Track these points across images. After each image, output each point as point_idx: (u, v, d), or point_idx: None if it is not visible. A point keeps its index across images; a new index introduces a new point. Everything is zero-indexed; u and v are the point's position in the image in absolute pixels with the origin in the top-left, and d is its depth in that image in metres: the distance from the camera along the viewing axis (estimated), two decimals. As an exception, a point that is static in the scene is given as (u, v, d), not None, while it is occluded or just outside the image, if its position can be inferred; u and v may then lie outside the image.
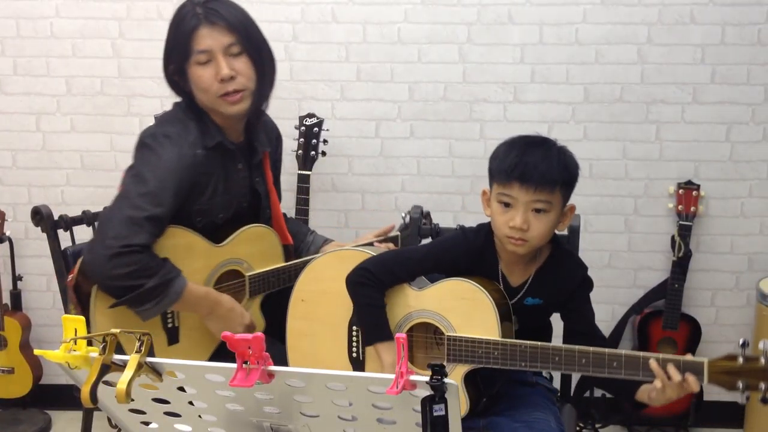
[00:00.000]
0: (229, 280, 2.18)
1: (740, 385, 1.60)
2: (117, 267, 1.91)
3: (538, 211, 1.79)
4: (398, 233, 2.39)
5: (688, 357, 1.66)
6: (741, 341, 1.59)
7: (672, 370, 1.64)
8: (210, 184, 2.10)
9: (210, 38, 2.03)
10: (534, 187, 1.77)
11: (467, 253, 1.92)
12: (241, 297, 2.19)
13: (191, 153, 2.03)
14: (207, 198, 2.10)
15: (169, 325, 2.09)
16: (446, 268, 1.93)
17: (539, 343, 1.75)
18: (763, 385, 1.58)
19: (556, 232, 1.91)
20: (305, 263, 2.16)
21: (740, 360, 1.60)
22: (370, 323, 1.92)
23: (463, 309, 1.83)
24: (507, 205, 1.81)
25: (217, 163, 2.11)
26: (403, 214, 2.42)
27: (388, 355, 1.88)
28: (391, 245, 2.34)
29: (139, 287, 1.92)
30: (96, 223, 2.32)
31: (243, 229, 2.17)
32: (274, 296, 2.25)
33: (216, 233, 2.14)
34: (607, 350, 1.70)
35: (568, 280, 1.90)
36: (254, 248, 2.19)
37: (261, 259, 2.21)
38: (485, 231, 1.92)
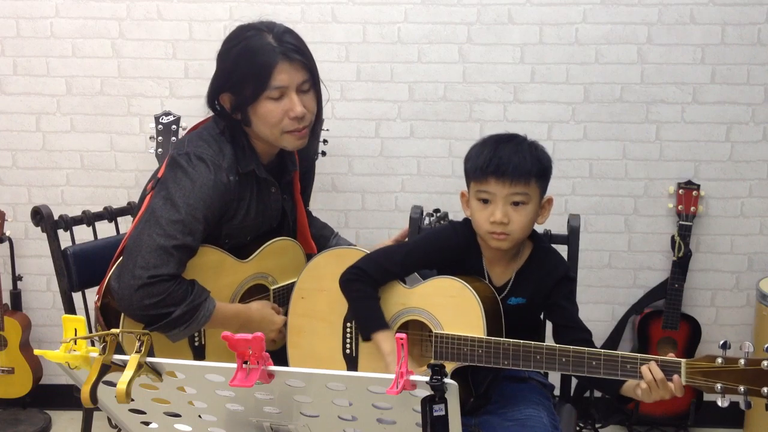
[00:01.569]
0: (254, 294, 2.18)
1: (718, 387, 1.57)
2: (145, 297, 1.88)
3: (516, 204, 1.83)
4: None
5: (667, 357, 1.65)
6: (721, 342, 1.57)
7: (654, 368, 1.63)
8: (241, 208, 2.06)
9: (287, 74, 1.97)
10: (510, 180, 1.81)
11: (455, 247, 1.95)
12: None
13: (225, 180, 1.98)
14: (238, 222, 2.07)
15: (196, 344, 2.08)
16: (434, 262, 1.97)
17: (521, 341, 1.76)
18: (741, 388, 1.55)
19: (536, 226, 1.94)
20: None
21: (719, 361, 1.57)
22: (364, 316, 1.94)
23: (451, 307, 1.85)
24: (486, 201, 1.85)
25: (249, 188, 2.08)
26: (424, 215, 2.41)
27: (387, 343, 1.89)
28: None
29: (168, 315, 1.90)
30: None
31: (268, 243, 2.15)
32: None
33: (243, 250, 2.13)
34: (586, 350, 1.71)
35: (549, 278, 1.92)
36: (279, 261, 2.18)
37: (284, 271, 2.20)
38: (471, 227, 1.94)
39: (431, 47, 3.00)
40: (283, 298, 2.20)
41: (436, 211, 2.50)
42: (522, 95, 3.01)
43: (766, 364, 1.53)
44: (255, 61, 1.96)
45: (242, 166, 2.03)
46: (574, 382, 2.31)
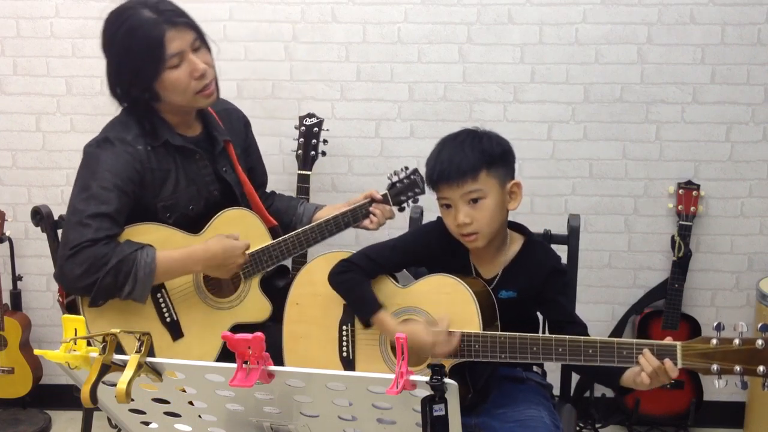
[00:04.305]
0: None
1: (715, 368, 1.59)
2: (75, 268, 1.94)
3: (474, 201, 1.83)
4: (386, 192, 2.39)
5: (663, 341, 1.66)
6: (715, 324, 1.59)
7: (648, 356, 1.65)
8: (168, 179, 2.11)
9: (178, 40, 2.01)
10: (456, 182, 1.82)
11: (440, 241, 1.96)
12: (237, 281, 2.19)
13: (130, 149, 2.04)
14: (170, 193, 2.11)
15: (168, 320, 2.09)
16: (421, 257, 1.99)
17: (517, 333, 1.77)
18: (737, 368, 1.57)
19: (535, 224, 1.98)
20: (296, 237, 2.21)
21: (714, 342, 1.60)
22: (359, 299, 1.94)
23: (446, 303, 1.86)
24: (448, 206, 1.87)
25: (170, 159, 2.12)
26: (390, 174, 2.43)
27: (389, 320, 1.90)
28: (382, 206, 2.34)
29: (100, 277, 1.94)
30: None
31: (219, 214, 2.18)
32: (274, 282, 2.26)
33: (194, 226, 2.15)
34: (582, 338, 1.73)
35: (539, 272, 1.92)
36: (235, 231, 2.19)
37: (245, 240, 2.20)
38: None
39: (431, 47, 3.00)
40: (251, 267, 2.20)
41: (405, 168, 2.45)
42: (522, 95, 3.01)
43: (760, 343, 1.57)
44: (143, 40, 2.00)
45: (152, 140, 2.08)
46: (573, 381, 2.31)
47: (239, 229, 2.19)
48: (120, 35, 2.04)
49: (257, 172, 2.41)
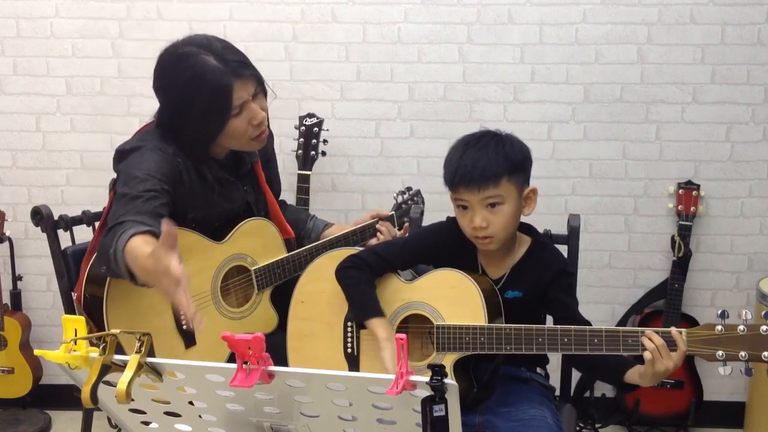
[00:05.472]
0: (235, 277, 2.20)
1: (720, 354, 1.60)
2: (128, 229, 1.83)
3: (493, 205, 1.83)
4: (392, 213, 2.43)
5: (667, 328, 1.67)
6: (719, 311, 1.60)
7: (653, 336, 1.66)
8: (203, 197, 2.11)
9: (242, 90, 2.01)
10: (478, 187, 1.82)
11: (449, 241, 1.96)
12: (251, 292, 2.20)
13: (171, 156, 2.03)
14: (203, 209, 2.11)
15: (184, 327, 2.10)
16: (429, 255, 1.99)
17: (522, 325, 1.78)
18: (743, 354, 1.58)
19: (536, 224, 1.95)
20: (308, 252, 2.23)
21: (719, 328, 1.60)
22: (359, 302, 1.94)
23: (451, 298, 1.86)
24: (464, 207, 1.87)
25: (206, 180, 2.12)
26: (395, 194, 2.46)
27: (382, 330, 1.89)
28: (388, 224, 2.39)
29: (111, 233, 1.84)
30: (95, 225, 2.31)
31: (241, 224, 2.18)
32: (281, 289, 2.27)
33: (215, 233, 2.16)
34: (587, 327, 1.73)
35: (545, 272, 1.92)
36: (255, 242, 2.20)
37: (263, 252, 2.22)
38: None
39: (431, 47, 3.00)
40: (265, 279, 2.22)
41: (408, 189, 2.51)
42: (522, 95, 3.01)
43: (765, 329, 1.57)
44: (209, 90, 1.97)
45: (192, 160, 2.07)
46: (574, 381, 2.31)
47: (259, 240, 2.21)
48: (183, 81, 1.99)
49: (273, 184, 2.41)
